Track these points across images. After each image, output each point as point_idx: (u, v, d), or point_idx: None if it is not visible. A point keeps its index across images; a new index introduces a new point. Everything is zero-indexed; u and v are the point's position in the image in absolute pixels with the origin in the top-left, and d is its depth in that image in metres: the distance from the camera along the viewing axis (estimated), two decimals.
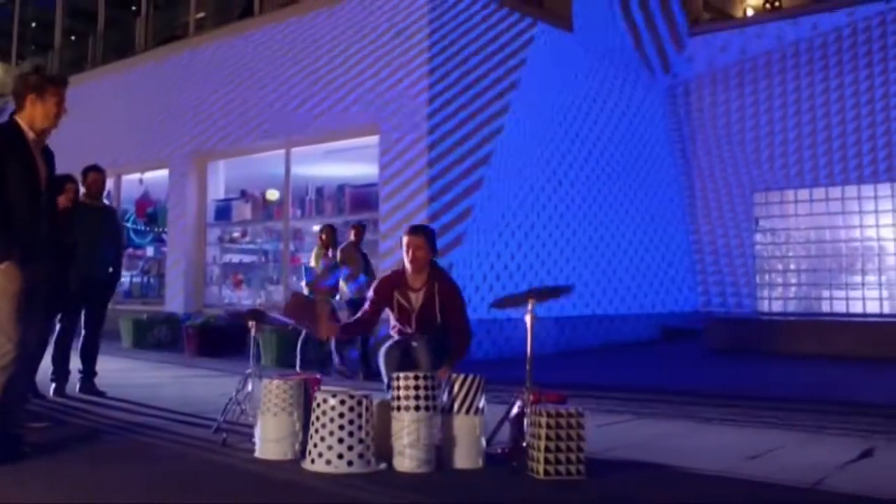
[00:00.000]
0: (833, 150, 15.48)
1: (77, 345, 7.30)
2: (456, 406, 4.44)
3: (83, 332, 7.29)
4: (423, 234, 5.22)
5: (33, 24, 20.15)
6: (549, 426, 4.15)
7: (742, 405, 7.40)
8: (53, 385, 7.06)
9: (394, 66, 11.64)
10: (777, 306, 16.54)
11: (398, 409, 4.31)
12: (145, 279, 16.95)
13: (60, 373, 7.11)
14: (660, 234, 15.91)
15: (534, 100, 12.86)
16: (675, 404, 7.38)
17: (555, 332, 12.75)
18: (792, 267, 16.60)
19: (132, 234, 17.66)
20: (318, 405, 4.23)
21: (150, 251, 17.56)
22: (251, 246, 15.00)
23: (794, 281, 16.61)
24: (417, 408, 4.27)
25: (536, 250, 12.75)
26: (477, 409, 4.46)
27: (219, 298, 14.71)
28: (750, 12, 20.11)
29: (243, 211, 14.56)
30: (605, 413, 6.91)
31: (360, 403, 4.21)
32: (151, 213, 16.94)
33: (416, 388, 4.29)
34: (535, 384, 4.56)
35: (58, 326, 6.99)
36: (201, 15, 16.38)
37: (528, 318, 4.55)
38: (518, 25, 12.75)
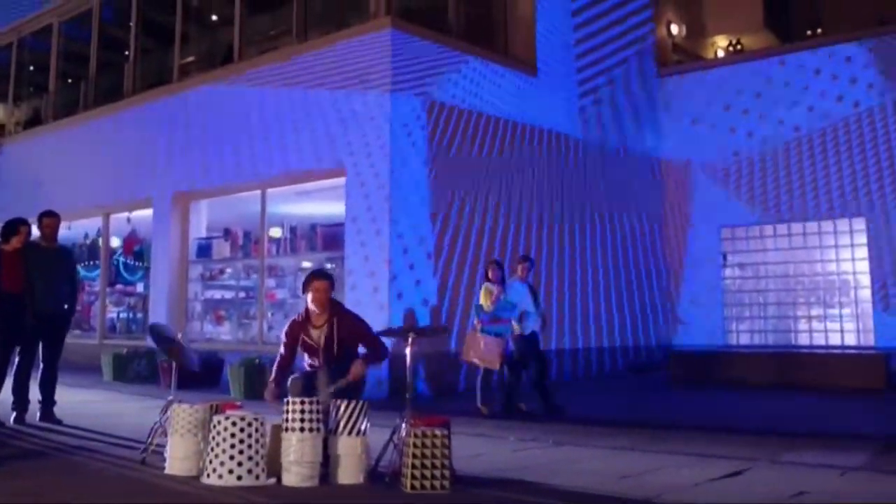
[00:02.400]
0: (798, 186, 16.01)
1: (37, 376, 7.87)
2: (341, 427, 4.99)
3: (41, 364, 7.86)
4: (325, 279, 5.88)
5: (31, 68, 20.89)
6: (415, 445, 4.70)
7: (656, 433, 7.91)
8: (14, 414, 7.64)
9: (358, 111, 12.28)
10: (745, 339, 17.00)
11: (286, 430, 4.87)
12: (131, 315, 17.52)
13: (20, 403, 7.68)
14: (634, 271, 16.40)
15: (499, 143, 13.48)
16: (596, 433, 7.89)
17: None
18: (760, 300, 17.07)
19: (123, 271, 18.29)
20: (214, 426, 4.79)
21: (140, 287, 18.13)
22: (231, 282, 15.57)
23: (760, 314, 17.08)
24: (302, 429, 4.83)
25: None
26: (359, 430, 5.01)
27: (201, 334, 15.28)
28: (720, 53, 20.83)
29: (223, 249, 15.17)
30: (530, 440, 7.42)
31: (250, 425, 4.79)
32: (138, 250, 17.57)
33: (302, 412, 4.86)
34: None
35: (16, 359, 7.57)
36: (191, 59, 17.14)
37: (407, 351, 5.10)
38: (480, 71, 13.40)
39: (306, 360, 5.89)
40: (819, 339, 16.00)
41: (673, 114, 17.55)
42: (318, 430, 4.89)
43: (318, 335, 5.76)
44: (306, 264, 14.61)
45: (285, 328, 6.00)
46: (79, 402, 9.63)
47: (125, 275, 18.18)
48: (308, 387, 5.51)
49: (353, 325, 5.85)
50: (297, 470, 4.80)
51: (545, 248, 14.24)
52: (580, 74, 15.80)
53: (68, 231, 18.43)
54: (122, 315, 17.69)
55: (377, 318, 11.06)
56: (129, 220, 17.23)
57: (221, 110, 14.46)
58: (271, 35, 16.03)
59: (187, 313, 15.36)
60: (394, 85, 12.03)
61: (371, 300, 11.55)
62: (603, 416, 9.59)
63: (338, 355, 5.70)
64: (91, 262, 18.34)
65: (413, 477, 4.67)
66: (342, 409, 5.03)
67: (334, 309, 5.89)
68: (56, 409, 7.96)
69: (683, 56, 19.43)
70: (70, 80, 19.59)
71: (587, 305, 14.95)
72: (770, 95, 16.47)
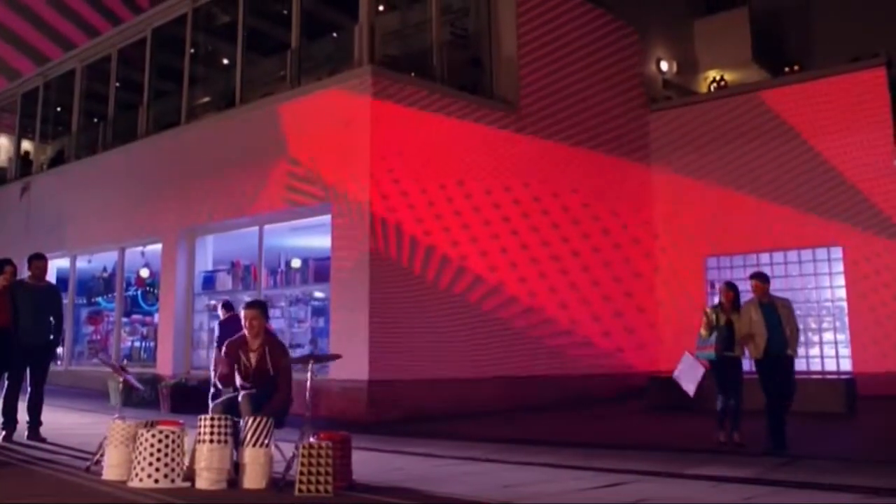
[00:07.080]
0: (779, 217, 16.55)
1: (25, 400, 8.80)
2: (248, 440, 5.81)
3: (29, 389, 8.79)
4: (257, 308, 6.71)
5: (58, 109, 22.15)
6: (303, 455, 5.49)
7: (585, 451, 8.58)
8: (3, 433, 8.57)
9: (343, 152, 13.17)
10: None
11: (199, 441, 5.71)
12: (144, 343, 18.54)
13: (8, 423, 8.61)
14: (624, 299, 17.04)
15: (486, 180, 14.32)
16: (533, 452, 8.56)
17: (510, 390, 14.02)
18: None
19: (141, 302, 19.37)
20: (137, 437, 5.64)
21: (157, 318, 19.14)
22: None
23: None
24: (212, 441, 5.67)
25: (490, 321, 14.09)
26: (264, 443, 5.82)
27: (206, 361, 16.20)
28: (712, 87, 21.46)
29: (225, 281, 16.14)
30: (466, 458, 8.09)
31: (167, 437, 5.65)
32: (150, 282, 18.63)
33: (212, 426, 5.70)
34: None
35: (5, 385, 8.53)
36: (201, 101, 18.23)
37: (308, 376, 5.92)
38: (461, 113, 14.24)
39: (237, 381, 6.69)
40: (800, 365, 16.41)
41: (658, 147, 18.20)
42: (226, 441, 5.72)
43: (252, 358, 6.57)
44: (318, 294, 15.50)
45: (224, 348, 6.80)
46: (72, 423, 10.55)
47: (143, 305, 19.25)
48: (234, 407, 6.31)
49: (281, 356, 6.63)
50: (207, 475, 5.63)
51: (532, 270, 14.98)
52: (563, 111, 16.51)
53: (88, 264, 19.65)
54: (135, 344, 18.72)
55: (360, 340, 12.13)
56: (143, 253, 18.31)
57: (223, 151, 15.44)
58: (280, 76, 17.05)
59: (193, 342, 16.30)
60: (374, 125, 12.91)
61: (354, 329, 12.41)
62: (550, 438, 10.22)
63: (264, 380, 6.51)
64: (109, 294, 19.45)
65: (301, 482, 5.47)
66: (249, 423, 5.85)
67: (267, 336, 6.71)
68: (45, 430, 8.85)
69: (674, 91, 20.10)
70: (95, 120, 20.76)
71: (575, 333, 15.63)
72: (751, 128, 17.06)
